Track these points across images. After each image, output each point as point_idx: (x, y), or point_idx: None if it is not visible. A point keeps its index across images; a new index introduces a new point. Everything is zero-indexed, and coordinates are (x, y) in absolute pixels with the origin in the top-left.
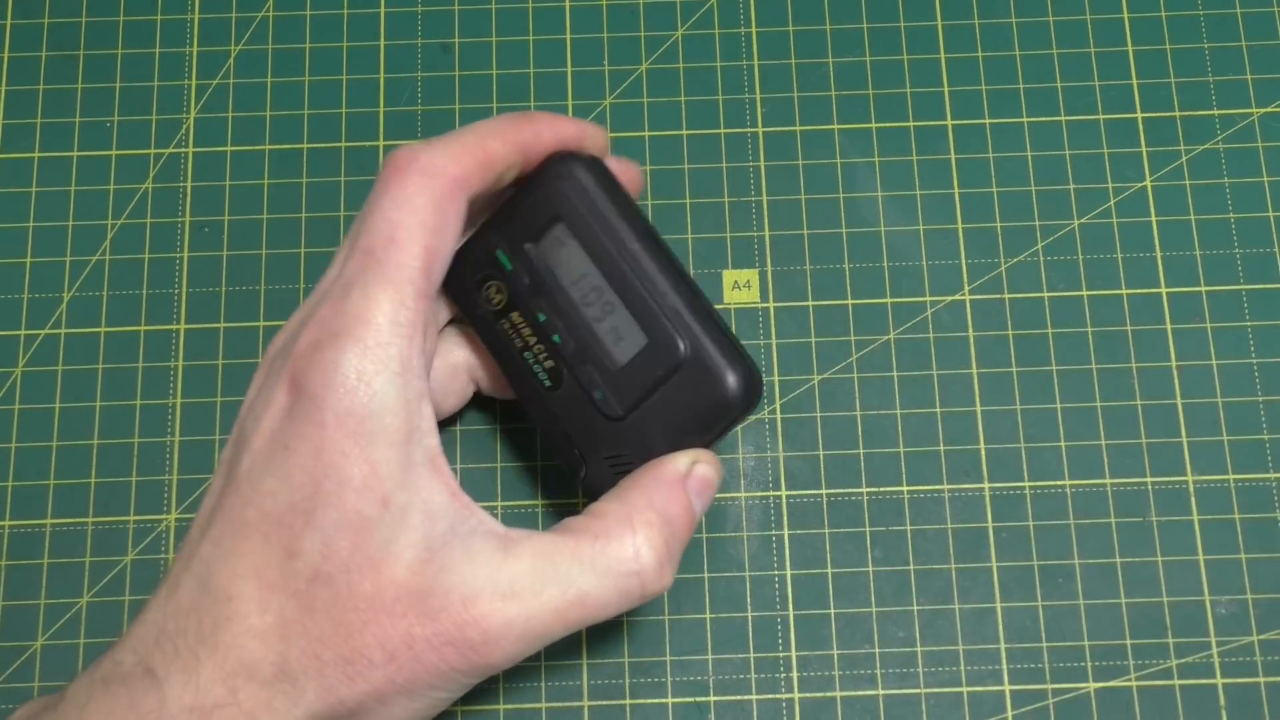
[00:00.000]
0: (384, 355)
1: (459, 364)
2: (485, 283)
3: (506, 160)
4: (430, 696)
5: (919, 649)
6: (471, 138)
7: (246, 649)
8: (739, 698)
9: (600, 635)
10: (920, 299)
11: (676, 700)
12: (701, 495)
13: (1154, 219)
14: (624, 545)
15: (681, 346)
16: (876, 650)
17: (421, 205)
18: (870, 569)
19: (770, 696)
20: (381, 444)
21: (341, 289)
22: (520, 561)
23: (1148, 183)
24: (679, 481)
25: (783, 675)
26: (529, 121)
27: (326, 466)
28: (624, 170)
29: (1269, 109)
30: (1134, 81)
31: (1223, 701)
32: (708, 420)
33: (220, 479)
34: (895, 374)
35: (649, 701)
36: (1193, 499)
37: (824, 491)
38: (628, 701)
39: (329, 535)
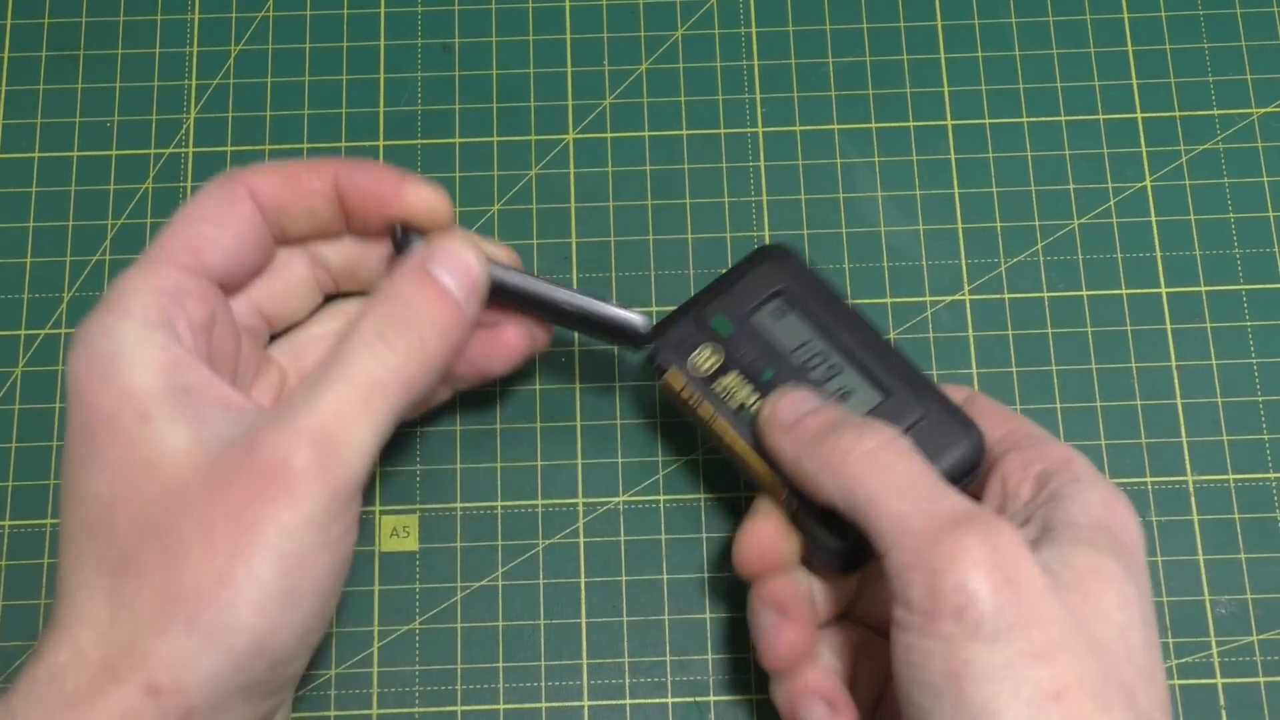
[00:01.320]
0: (127, 309)
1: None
2: (696, 347)
3: (317, 188)
4: (272, 553)
5: None
6: (289, 162)
7: (79, 606)
8: (739, 698)
9: (601, 635)
10: (920, 299)
11: (676, 700)
12: (464, 278)
13: (1154, 219)
14: (370, 348)
15: (919, 406)
16: None
17: (202, 200)
18: None
19: (770, 696)
20: (131, 376)
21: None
22: (295, 396)
23: (1148, 183)
24: (420, 267)
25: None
26: (357, 164)
27: (89, 409)
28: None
29: (1269, 109)
30: (1134, 81)
31: (1223, 701)
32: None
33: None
34: None
35: (649, 701)
36: (1193, 499)
37: None
38: (628, 701)
39: (104, 463)
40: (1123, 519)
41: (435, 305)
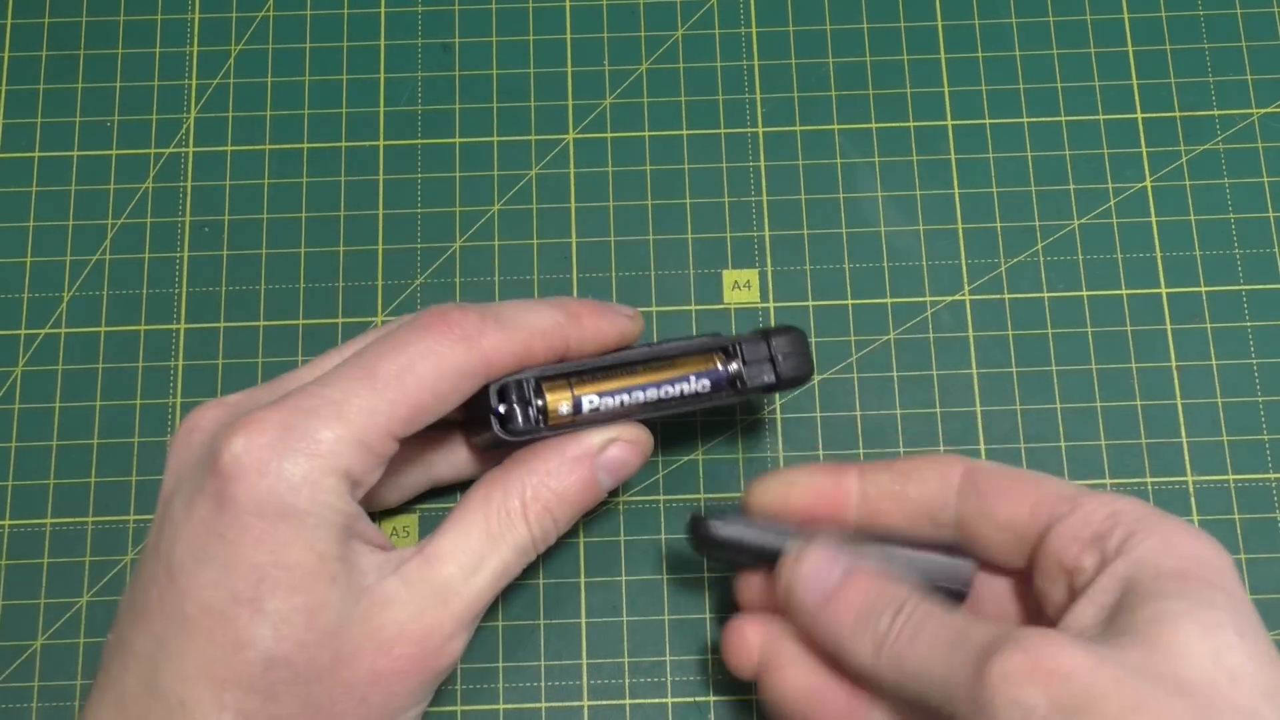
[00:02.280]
0: (336, 466)
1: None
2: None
3: (541, 359)
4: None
5: None
6: (523, 333)
7: None
8: (739, 698)
9: (601, 635)
10: (920, 299)
11: (676, 700)
12: (615, 472)
13: (1154, 219)
14: (520, 533)
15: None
16: None
17: (444, 369)
18: None
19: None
20: (325, 535)
21: (317, 389)
22: (444, 564)
23: (1148, 183)
24: (587, 458)
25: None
26: (576, 325)
27: (269, 555)
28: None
29: (1269, 109)
30: (1134, 81)
31: None
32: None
33: (148, 565)
34: (895, 374)
35: (649, 701)
36: (1193, 499)
37: None
38: (628, 701)
39: (280, 619)
40: (1193, 553)
41: (585, 501)
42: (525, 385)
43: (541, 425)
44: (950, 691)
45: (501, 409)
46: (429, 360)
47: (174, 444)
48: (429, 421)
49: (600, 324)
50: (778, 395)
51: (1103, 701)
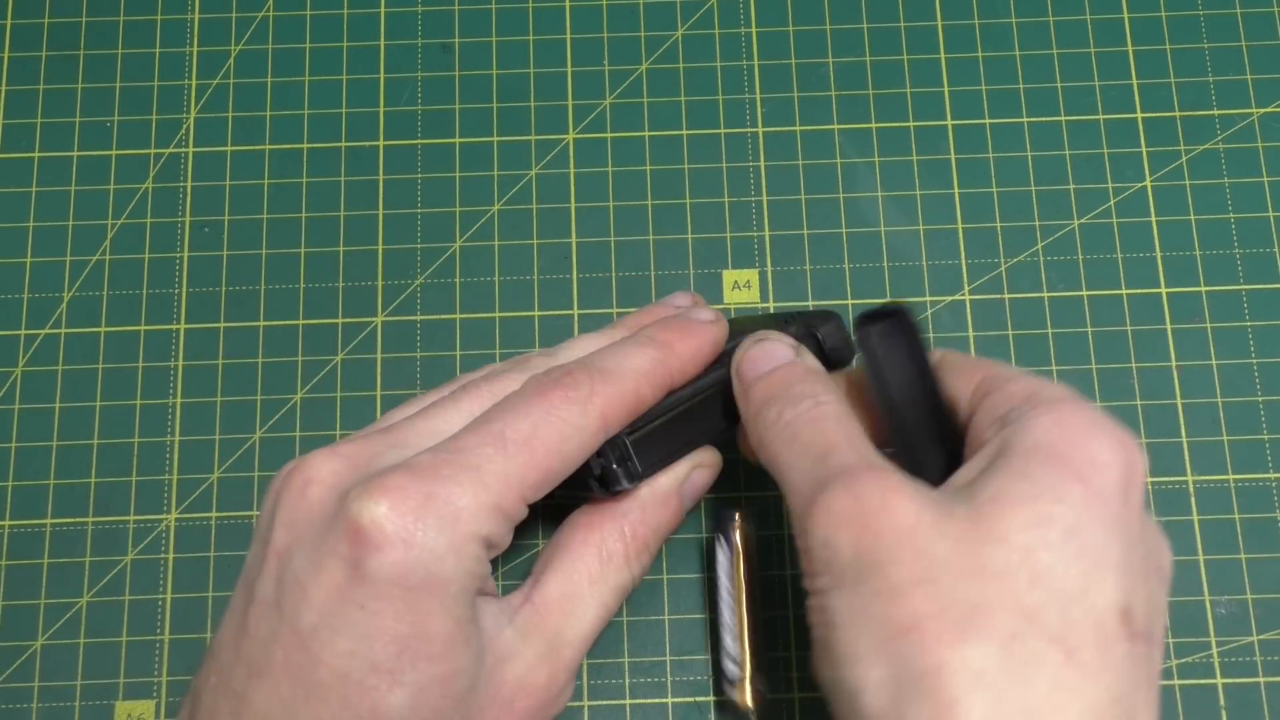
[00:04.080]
0: (474, 533)
1: None
2: None
3: (650, 403)
4: None
5: None
6: (630, 382)
7: None
8: (739, 698)
9: (601, 635)
10: (920, 299)
11: (676, 700)
12: (695, 495)
13: (1154, 219)
14: (623, 574)
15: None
16: None
17: (567, 431)
18: None
19: (770, 696)
20: (462, 603)
21: (451, 455)
22: (554, 614)
23: (1148, 183)
24: (676, 491)
25: (783, 675)
26: (674, 356)
27: (411, 627)
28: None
29: (1269, 109)
30: (1134, 81)
31: (1223, 701)
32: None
33: (267, 620)
34: None
35: (649, 701)
36: (1193, 499)
37: None
38: (628, 701)
39: (419, 689)
40: (1081, 443)
41: (674, 528)
42: (619, 445)
43: (638, 478)
44: (793, 502)
45: (598, 470)
46: (552, 424)
47: (285, 494)
48: (555, 485)
49: (692, 345)
50: None
51: (897, 566)
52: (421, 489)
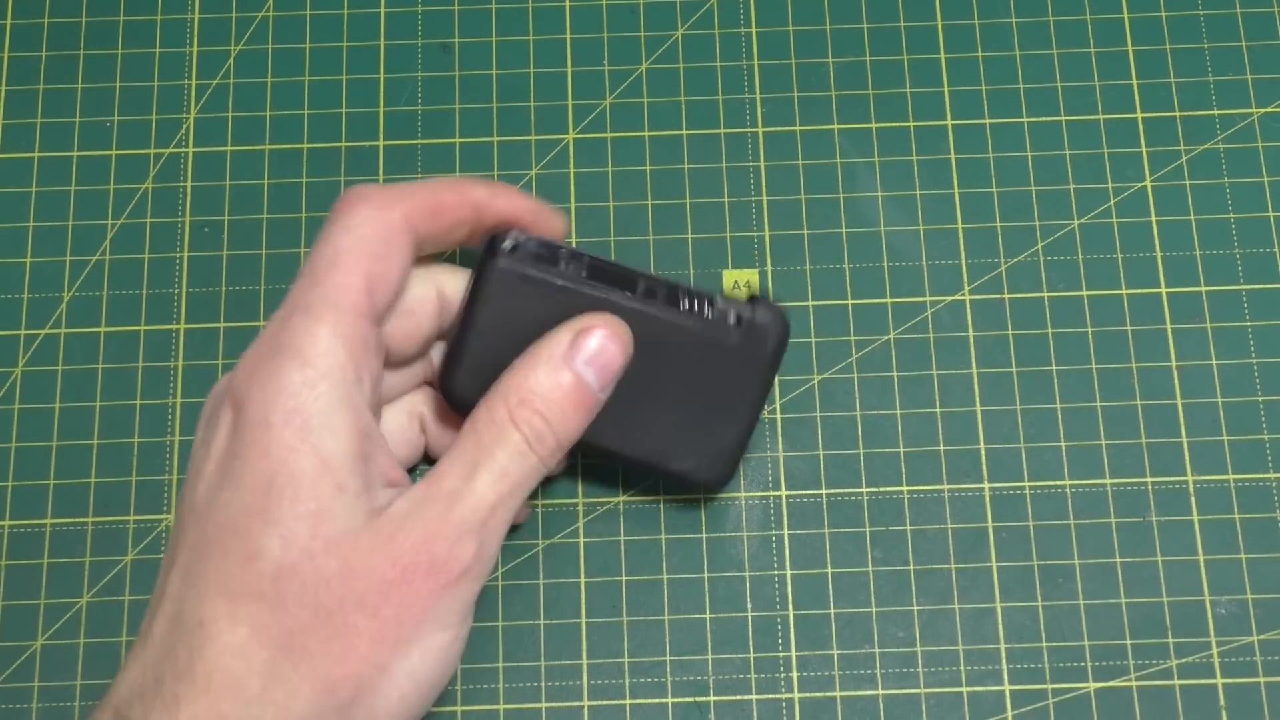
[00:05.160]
0: (325, 365)
1: (413, 411)
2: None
3: (456, 213)
4: (426, 644)
5: (919, 649)
6: (425, 185)
7: (228, 669)
8: (739, 698)
9: (601, 635)
10: (920, 299)
11: (676, 700)
12: (598, 365)
13: (1154, 219)
14: (509, 436)
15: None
16: (876, 650)
17: (367, 234)
18: (870, 569)
19: (770, 696)
20: (329, 439)
21: (284, 312)
22: (444, 480)
23: (1148, 183)
24: (560, 354)
25: (783, 675)
26: (487, 185)
27: (277, 463)
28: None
29: (1269, 109)
30: (1134, 81)
31: (1223, 702)
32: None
33: (180, 515)
34: (895, 374)
35: (649, 701)
36: (1193, 499)
37: (824, 491)
38: (628, 701)
39: (287, 527)
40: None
41: (581, 412)
42: (521, 234)
43: (530, 252)
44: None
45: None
46: (349, 236)
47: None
48: (393, 290)
49: (512, 194)
50: (777, 395)
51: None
52: (267, 344)
